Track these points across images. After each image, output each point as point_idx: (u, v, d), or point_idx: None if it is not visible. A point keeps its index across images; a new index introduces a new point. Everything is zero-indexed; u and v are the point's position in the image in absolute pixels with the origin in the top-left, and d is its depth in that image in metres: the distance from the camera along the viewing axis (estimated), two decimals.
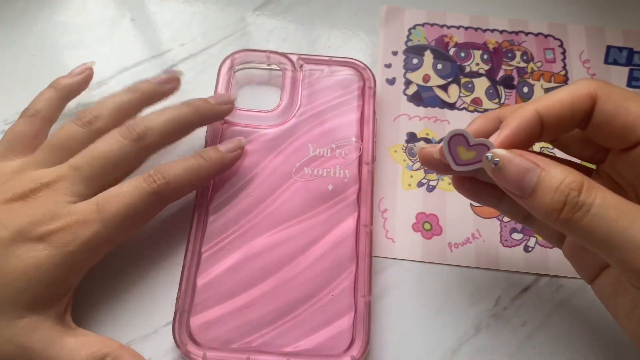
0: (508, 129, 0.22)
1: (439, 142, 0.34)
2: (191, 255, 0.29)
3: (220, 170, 0.30)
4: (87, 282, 0.29)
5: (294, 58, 0.35)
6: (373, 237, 0.30)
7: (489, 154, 0.21)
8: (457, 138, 0.22)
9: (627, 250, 0.18)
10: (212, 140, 0.32)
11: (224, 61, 0.35)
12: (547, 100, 0.22)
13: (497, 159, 0.21)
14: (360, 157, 0.32)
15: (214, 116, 0.31)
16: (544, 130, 0.22)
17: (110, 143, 0.27)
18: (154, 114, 0.29)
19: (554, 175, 0.20)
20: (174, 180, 0.27)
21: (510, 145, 0.22)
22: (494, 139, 0.22)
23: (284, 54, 0.35)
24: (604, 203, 0.19)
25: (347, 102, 0.33)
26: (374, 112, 0.33)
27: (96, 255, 0.26)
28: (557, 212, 0.20)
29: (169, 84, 0.31)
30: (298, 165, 0.31)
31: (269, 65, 0.35)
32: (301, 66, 0.35)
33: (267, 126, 0.33)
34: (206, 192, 0.30)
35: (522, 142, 0.22)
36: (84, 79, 0.32)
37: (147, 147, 0.28)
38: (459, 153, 0.23)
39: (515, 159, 0.20)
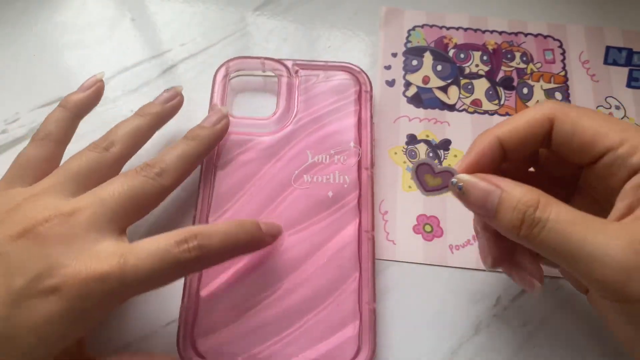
0: (470, 155, 0.24)
1: (435, 146, 0.34)
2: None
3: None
4: None
5: (289, 64, 0.34)
6: (375, 241, 0.30)
7: (453, 179, 0.23)
8: (423, 167, 0.24)
9: (584, 262, 0.19)
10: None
11: (218, 69, 0.34)
12: (506, 126, 0.23)
13: (461, 184, 0.23)
14: (359, 162, 0.31)
15: (217, 140, 0.31)
16: (506, 153, 0.24)
17: (134, 178, 0.26)
18: (167, 153, 0.28)
19: (513, 195, 0.21)
20: (208, 246, 0.24)
21: (473, 170, 0.23)
22: (457, 165, 0.24)
23: (278, 60, 0.35)
24: (558, 218, 0.20)
25: (344, 107, 0.33)
26: (371, 116, 0.33)
27: (111, 307, 0.23)
28: (517, 229, 0.21)
29: (172, 100, 0.31)
30: (297, 172, 0.31)
31: (264, 72, 0.35)
32: (296, 72, 0.34)
33: (265, 133, 0.32)
34: (205, 202, 0.30)
35: (485, 166, 0.23)
36: (95, 94, 0.30)
37: (164, 186, 0.26)
38: (427, 180, 0.25)
39: (478, 183, 0.22)
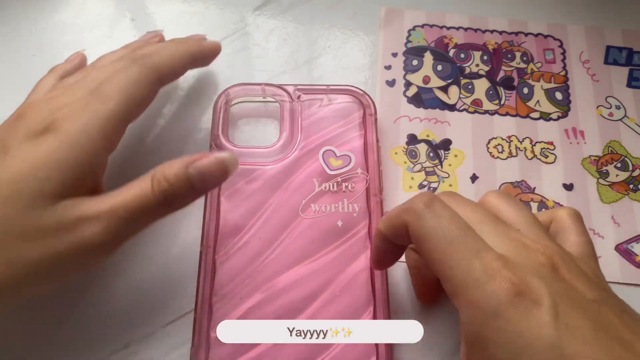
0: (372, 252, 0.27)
1: (436, 146, 0.34)
2: (201, 306, 0.27)
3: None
4: (88, 282, 0.29)
5: (291, 89, 0.33)
6: (388, 274, 0.29)
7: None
8: (327, 153, 0.31)
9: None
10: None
11: (219, 97, 0.33)
12: (382, 222, 0.25)
13: None
14: (367, 190, 0.31)
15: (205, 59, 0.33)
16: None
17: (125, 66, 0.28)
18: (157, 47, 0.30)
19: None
20: (158, 57, 0.29)
21: (380, 263, 0.27)
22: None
23: (279, 86, 0.33)
24: None
25: (348, 131, 0.32)
26: (377, 140, 0.32)
27: (108, 134, 0.26)
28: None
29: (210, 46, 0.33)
30: (304, 202, 0.30)
31: (264, 98, 0.34)
32: (298, 97, 0.33)
33: (269, 162, 0.31)
34: (211, 237, 0.29)
35: (387, 256, 0.26)
36: (79, 63, 0.32)
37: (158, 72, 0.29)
38: (331, 162, 0.31)
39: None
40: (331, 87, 0.34)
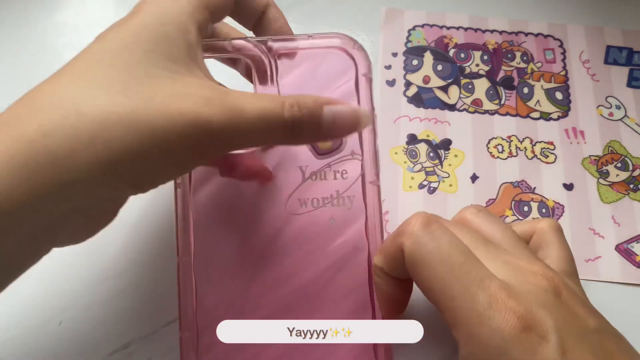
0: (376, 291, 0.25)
1: (436, 146, 0.34)
2: (187, 331, 0.25)
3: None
4: (88, 282, 0.29)
5: (263, 48, 0.25)
6: None
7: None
8: None
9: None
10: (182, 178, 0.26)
11: None
12: (379, 255, 0.24)
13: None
14: (362, 176, 0.26)
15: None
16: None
17: None
18: None
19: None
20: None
21: (387, 309, 0.25)
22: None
23: (250, 40, 0.26)
24: None
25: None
26: (373, 108, 0.26)
27: None
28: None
29: None
30: (290, 197, 0.26)
31: (235, 59, 0.27)
32: (276, 55, 0.26)
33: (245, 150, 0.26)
34: (186, 256, 0.25)
35: (395, 297, 0.24)
36: None
37: None
38: (318, 145, 0.25)
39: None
40: (315, 37, 0.26)
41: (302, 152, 0.26)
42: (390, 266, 0.23)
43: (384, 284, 0.24)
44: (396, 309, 0.25)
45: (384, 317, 0.25)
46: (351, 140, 0.26)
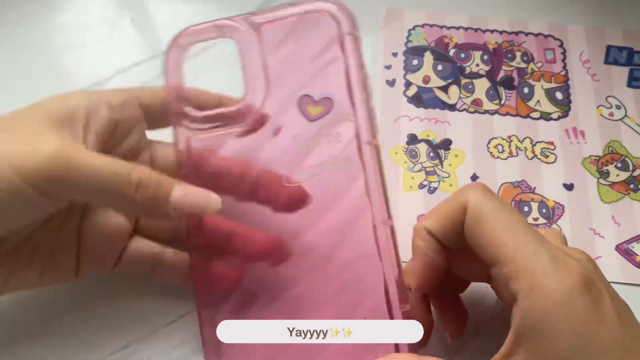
0: (416, 269, 0.24)
1: (436, 146, 0.34)
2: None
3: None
4: (88, 282, 0.29)
5: (244, 24, 0.26)
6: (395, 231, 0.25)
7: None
8: (304, 98, 0.25)
9: None
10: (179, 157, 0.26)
11: (169, 50, 0.27)
12: (430, 217, 0.24)
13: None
14: (357, 137, 0.24)
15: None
16: (443, 243, 0.24)
17: None
18: None
19: None
20: None
21: (424, 283, 0.24)
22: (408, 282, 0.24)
23: (233, 19, 0.26)
24: None
25: (325, 63, 0.26)
26: (362, 66, 0.25)
27: None
28: None
29: None
30: (286, 169, 0.25)
31: (220, 38, 0.27)
32: (258, 30, 0.26)
33: (237, 126, 0.26)
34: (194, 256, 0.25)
35: (432, 282, 0.24)
36: None
37: None
38: (309, 110, 0.25)
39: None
40: (296, 3, 0.26)
41: (294, 120, 0.26)
42: (443, 228, 0.23)
43: (427, 247, 0.24)
44: (432, 278, 0.24)
45: (418, 287, 0.24)
46: (342, 102, 0.25)
